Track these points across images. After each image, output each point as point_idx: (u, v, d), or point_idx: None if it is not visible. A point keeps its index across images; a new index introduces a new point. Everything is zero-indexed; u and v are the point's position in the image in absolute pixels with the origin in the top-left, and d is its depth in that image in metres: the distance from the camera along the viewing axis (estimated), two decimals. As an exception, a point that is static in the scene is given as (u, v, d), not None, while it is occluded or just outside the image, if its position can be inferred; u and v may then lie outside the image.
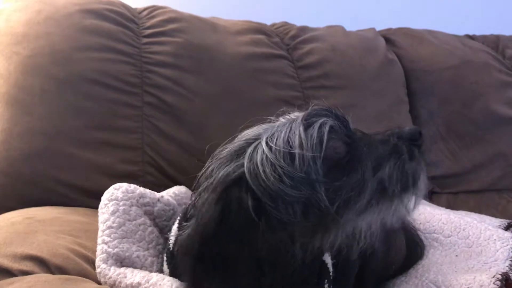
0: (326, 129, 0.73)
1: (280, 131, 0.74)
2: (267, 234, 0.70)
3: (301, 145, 0.71)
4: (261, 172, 0.71)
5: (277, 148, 0.72)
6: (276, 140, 0.73)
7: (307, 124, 0.74)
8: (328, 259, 0.84)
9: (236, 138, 0.79)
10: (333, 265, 0.85)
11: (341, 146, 0.75)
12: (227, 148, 0.78)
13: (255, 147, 0.74)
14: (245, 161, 0.73)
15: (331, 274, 0.83)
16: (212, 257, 0.71)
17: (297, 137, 0.72)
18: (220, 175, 0.73)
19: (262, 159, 0.72)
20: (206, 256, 0.72)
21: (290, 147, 0.72)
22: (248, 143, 0.76)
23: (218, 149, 0.79)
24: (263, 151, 0.72)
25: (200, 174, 0.78)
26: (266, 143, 0.73)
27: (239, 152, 0.75)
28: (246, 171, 0.72)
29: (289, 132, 0.74)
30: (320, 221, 0.71)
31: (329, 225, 0.71)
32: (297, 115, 0.79)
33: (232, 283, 0.71)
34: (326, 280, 0.82)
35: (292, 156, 0.71)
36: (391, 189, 0.74)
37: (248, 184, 0.71)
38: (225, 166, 0.74)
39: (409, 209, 0.78)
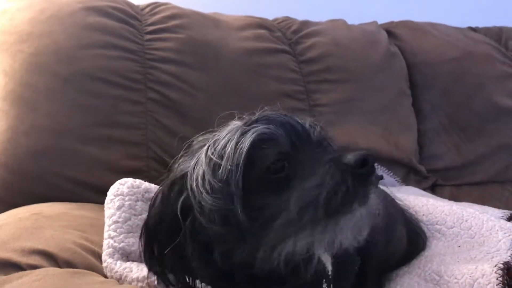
0: (251, 138, 0.70)
1: (223, 137, 0.73)
2: (191, 234, 0.71)
3: (228, 155, 0.70)
4: (194, 176, 0.71)
5: (211, 154, 0.71)
6: (216, 146, 0.72)
7: (244, 131, 0.71)
8: (326, 257, 0.82)
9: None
10: (332, 263, 0.83)
11: (273, 157, 0.70)
12: (198, 140, 0.79)
13: (204, 149, 0.74)
14: (193, 160, 0.74)
15: (330, 273, 0.82)
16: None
17: (228, 146, 0.71)
18: (178, 167, 0.76)
19: (198, 163, 0.73)
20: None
21: (220, 156, 0.70)
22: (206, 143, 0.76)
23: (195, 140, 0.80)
24: (203, 155, 0.72)
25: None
26: (208, 147, 0.73)
27: (199, 149, 0.76)
28: (189, 170, 0.73)
29: (226, 139, 0.72)
30: (238, 233, 0.69)
31: (248, 239, 0.69)
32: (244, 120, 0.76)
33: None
34: (324, 280, 0.81)
35: (218, 165, 0.70)
36: (319, 214, 0.67)
37: (186, 183, 0.72)
38: (186, 159, 0.76)
39: (348, 235, 0.70)
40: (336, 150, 0.76)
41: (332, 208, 0.66)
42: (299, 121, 0.75)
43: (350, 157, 0.67)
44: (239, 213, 0.68)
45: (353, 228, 0.69)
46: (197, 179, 0.71)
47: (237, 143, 0.70)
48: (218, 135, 0.74)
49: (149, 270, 0.78)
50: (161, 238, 0.73)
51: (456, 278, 0.90)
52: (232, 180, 0.68)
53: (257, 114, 0.76)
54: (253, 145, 0.70)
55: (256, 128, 0.71)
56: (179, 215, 0.71)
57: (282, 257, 0.69)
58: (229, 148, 0.70)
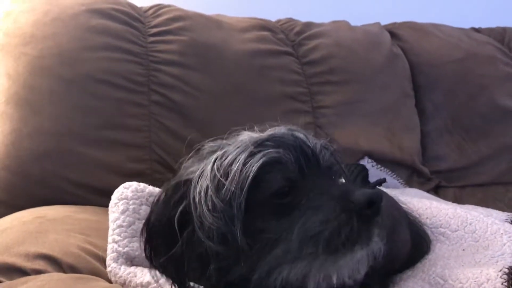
0: (258, 164, 0.68)
1: (231, 153, 0.71)
2: (188, 246, 0.70)
3: (233, 175, 0.69)
4: (198, 188, 0.71)
5: (217, 170, 0.70)
6: (222, 160, 0.71)
7: (252, 153, 0.70)
8: None
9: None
10: None
11: (280, 183, 0.69)
12: (208, 145, 0.78)
13: (211, 159, 0.73)
14: (200, 167, 0.73)
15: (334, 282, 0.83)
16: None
17: (234, 165, 0.69)
18: (183, 170, 0.76)
19: (202, 175, 0.72)
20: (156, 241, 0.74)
21: (226, 173, 0.70)
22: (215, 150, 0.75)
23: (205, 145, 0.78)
24: (209, 167, 0.71)
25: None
26: (214, 160, 0.72)
27: (208, 155, 0.75)
28: (194, 179, 0.72)
29: (234, 156, 0.71)
30: (235, 253, 0.68)
31: (245, 260, 0.68)
32: (254, 136, 0.74)
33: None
34: None
35: (222, 184, 0.69)
36: (319, 250, 0.66)
37: (189, 191, 0.72)
38: (192, 163, 0.75)
39: (345, 274, 0.69)
40: (344, 179, 0.76)
41: (333, 246, 0.66)
42: (310, 144, 0.74)
43: (358, 197, 0.66)
44: (238, 236, 0.67)
45: (351, 268, 0.69)
46: (200, 193, 0.70)
47: (244, 165, 0.69)
48: (228, 147, 0.74)
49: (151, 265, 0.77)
50: (159, 239, 0.73)
51: (461, 283, 0.90)
52: (235, 202, 0.68)
53: (267, 132, 0.75)
54: (261, 168, 0.69)
55: (265, 152, 0.70)
56: (176, 222, 0.71)
57: (278, 282, 0.68)
58: (235, 168, 0.69)
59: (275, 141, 0.72)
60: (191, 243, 0.70)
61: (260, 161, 0.69)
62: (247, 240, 0.67)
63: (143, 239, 0.75)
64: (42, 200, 1.24)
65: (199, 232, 0.69)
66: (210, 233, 0.68)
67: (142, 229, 0.75)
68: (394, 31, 1.94)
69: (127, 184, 1.00)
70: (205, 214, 0.68)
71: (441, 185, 1.77)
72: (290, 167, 0.70)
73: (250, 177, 0.68)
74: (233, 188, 0.68)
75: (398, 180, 1.65)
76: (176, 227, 0.70)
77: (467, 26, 2.11)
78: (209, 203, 0.69)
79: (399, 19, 2.03)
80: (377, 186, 1.20)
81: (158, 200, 0.75)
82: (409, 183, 1.69)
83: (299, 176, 0.70)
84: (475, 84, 1.87)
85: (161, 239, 0.73)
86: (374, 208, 0.67)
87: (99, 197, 1.26)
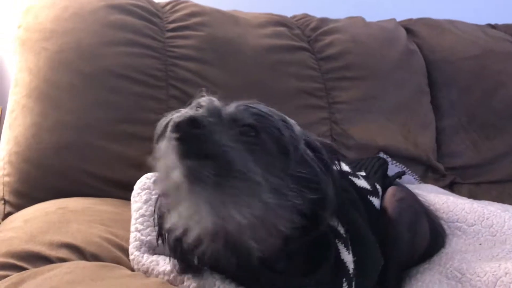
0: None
1: None
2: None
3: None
4: None
5: None
6: None
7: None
8: (347, 256, 0.82)
9: None
10: (354, 262, 0.82)
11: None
12: None
13: None
14: None
15: (350, 272, 0.81)
16: None
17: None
18: None
19: None
20: None
21: None
22: None
23: None
24: None
25: None
26: None
27: None
28: None
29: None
30: None
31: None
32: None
33: None
34: (344, 279, 0.80)
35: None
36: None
37: None
38: None
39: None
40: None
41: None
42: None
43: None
44: None
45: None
46: None
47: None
48: None
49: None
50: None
51: (478, 276, 0.90)
52: None
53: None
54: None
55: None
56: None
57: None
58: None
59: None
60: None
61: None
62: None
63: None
64: (62, 192, 1.26)
65: None
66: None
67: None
68: (409, 27, 1.94)
69: (149, 174, 1.02)
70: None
71: (456, 182, 1.76)
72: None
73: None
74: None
75: (413, 176, 1.65)
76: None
77: (483, 22, 2.10)
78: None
79: (414, 15, 2.02)
80: (396, 179, 1.20)
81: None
82: (424, 179, 1.69)
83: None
84: (491, 80, 1.87)
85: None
86: (181, 134, 0.65)
87: (118, 190, 1.28)
